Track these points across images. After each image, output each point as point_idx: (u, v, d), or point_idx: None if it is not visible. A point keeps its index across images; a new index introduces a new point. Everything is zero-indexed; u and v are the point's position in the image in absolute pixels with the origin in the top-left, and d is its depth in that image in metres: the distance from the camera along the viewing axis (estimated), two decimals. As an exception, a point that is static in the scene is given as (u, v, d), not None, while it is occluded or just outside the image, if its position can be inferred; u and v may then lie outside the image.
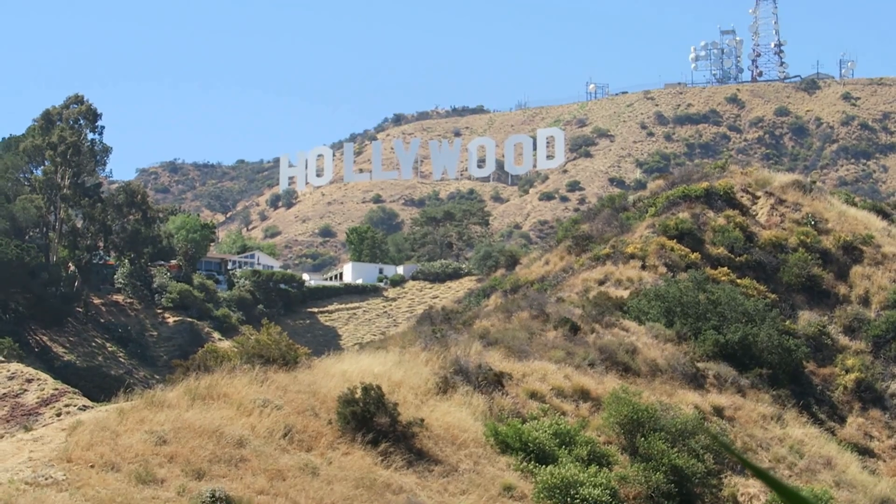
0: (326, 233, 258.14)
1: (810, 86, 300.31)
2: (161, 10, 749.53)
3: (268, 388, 45.22)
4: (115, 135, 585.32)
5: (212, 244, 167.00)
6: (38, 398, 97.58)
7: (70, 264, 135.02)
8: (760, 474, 8.44)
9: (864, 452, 61.20)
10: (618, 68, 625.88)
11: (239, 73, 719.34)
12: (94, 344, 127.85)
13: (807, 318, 70.30)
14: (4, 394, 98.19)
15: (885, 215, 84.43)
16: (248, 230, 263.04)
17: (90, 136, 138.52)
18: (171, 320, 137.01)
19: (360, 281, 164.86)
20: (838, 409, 65.02)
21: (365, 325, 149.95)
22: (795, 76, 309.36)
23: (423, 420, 45.39)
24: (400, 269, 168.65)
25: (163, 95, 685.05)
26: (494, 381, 51.25)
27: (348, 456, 42.61)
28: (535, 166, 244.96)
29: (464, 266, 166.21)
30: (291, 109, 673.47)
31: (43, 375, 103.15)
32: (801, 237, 75.67)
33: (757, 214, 79.54)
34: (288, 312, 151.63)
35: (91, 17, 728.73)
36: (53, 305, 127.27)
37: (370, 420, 43.89)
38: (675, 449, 47.92)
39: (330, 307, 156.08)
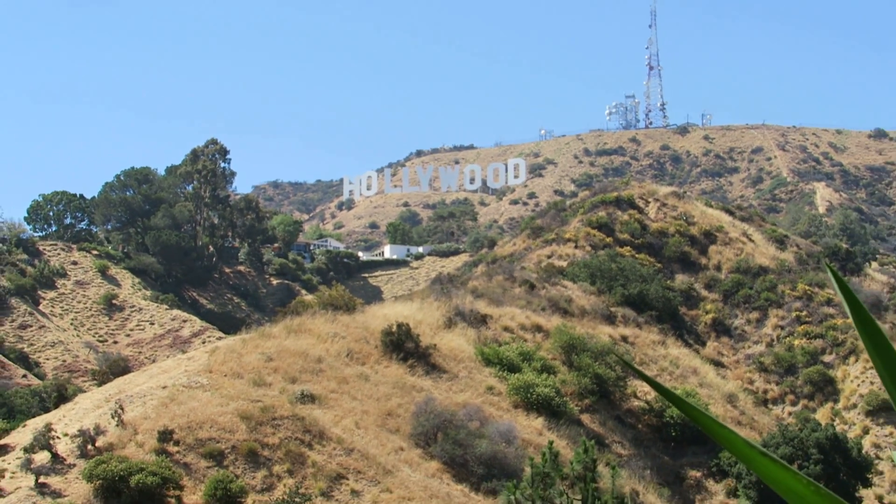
0: (374, 226, 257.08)
1: (683, 131, 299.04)
2: (270, 93, 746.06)
3: (336, 325, 45.34)
4: (238, 162, 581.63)
5: (300, 234, 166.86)
6: (190, 332, 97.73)
7: (210, 247, 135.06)
8: (648, 380, 8.42)
9: (718, 365, 61.33)
10: (560, 118, 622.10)
11: (316, 121, 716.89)
12: (225, 297, 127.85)
13: (681, 279, 70.31)
14: (169, 329, 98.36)
15: (730, 213, 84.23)
16: (323, 225, 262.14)
17: (222, 164, 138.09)
18: (274, 282, 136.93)
19: (395, 256, 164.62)
20: (701, 337, 65.10)
21: (398, 285, 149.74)
22: (674, 124, 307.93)
23: (435, 345, 45.54)
24: (420, 249, 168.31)
25: (269, 138, 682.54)
26: (481, 320, 51.36)
27: (388, 368, 42.75)
28: (506, 183, 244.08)
29: (461, 247, 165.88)
30: (350, 146, 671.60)
31: (193, 318, 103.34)
32: (677, 227, 75.59)
33: (648, 213, 79.49)
34: (349, 277, 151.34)
35: (227, 83, 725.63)
36: (200, 273, 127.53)
37: (402, 345, 44.05)
38: (597, 363, 48.06)
39: (376, 273, 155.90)
